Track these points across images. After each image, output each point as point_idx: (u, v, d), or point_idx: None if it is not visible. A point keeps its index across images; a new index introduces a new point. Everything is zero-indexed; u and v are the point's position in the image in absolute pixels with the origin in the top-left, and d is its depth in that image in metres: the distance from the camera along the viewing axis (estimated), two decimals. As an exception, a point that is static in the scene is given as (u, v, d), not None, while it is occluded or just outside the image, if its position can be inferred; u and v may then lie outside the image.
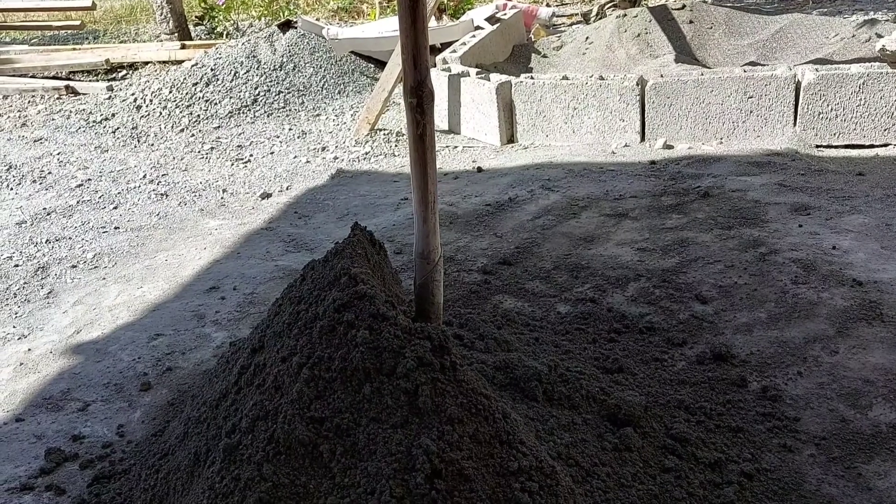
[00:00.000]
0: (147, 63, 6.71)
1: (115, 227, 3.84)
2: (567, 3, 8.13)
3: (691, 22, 5.63)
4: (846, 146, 4.00)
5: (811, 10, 6.54)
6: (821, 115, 3.99)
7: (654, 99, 4.24)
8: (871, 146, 3.96)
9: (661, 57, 5.24)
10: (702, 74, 4.21)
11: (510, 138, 4.63)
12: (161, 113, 5.50)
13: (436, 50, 5.50)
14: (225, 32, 7.52)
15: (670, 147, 4.23)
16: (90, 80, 6.53)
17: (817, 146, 4.02)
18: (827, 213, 3.22)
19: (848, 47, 5.00)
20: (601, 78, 4.36)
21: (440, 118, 4.79)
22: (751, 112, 4.11)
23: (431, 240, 1.76)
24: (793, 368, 2.27)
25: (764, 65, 4.86)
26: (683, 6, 5.75)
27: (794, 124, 4.06)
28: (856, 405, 2.09)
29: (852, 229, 3.06)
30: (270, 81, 5.70)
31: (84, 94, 6.23)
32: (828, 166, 3.77)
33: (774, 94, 4.05)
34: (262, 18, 7.93)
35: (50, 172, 4.66)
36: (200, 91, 5.63)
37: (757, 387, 2.20)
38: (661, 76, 4.27)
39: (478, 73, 4.69)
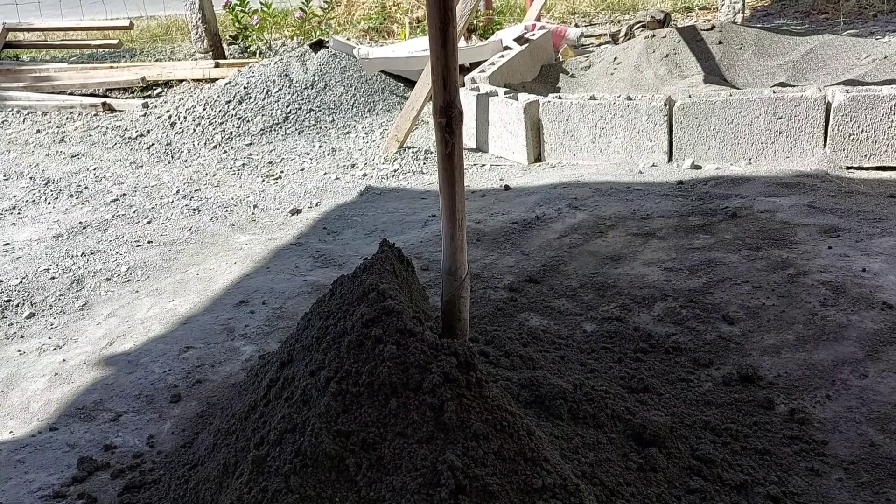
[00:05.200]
0: (182, 81, 6.85)
1: (149, 242, 3.92)
2: (595, 24, 8.16)
3: (720, 43, 5.63)
4: (877, 168, 3.96)
5: (842, 32, 6.50)
6: (851, 137, 3.96)
7: (682, 119, 4.25)
8: (903, 168, 3.93)
9: (689, 77, 5.24)
10: (730, 95, 4.21)
11: (537, 157, 4.65)
12: (195, 130, 5.61)
13: (465, 69, 5.56)
14: (258, 51, 7.66)
15: (698, 167, 4.22)
16: (126, 98, 6.68)
17: (848, 168, 3.99)
18: (857, 235, 3.20)
19: (880, 69, 4.97)
20: (629, 98, 4.37)
21: (468, 136, 4.83)
22: (780, 133, 4.10)
23: (459, 257, 1.78)
24: (821, 391, 2.25)
25: (794, 86, 4.84)
26: (712, 27, 5.75)
27: (824, 146, 4.03)
28: (885, 430, 2.07)
29: (883, 252, 3.03)
30: (302, 99, 5.80)
31: (120, 110, 6.38)
32: (858, 188, 3.74)
33: (804, 116, 4.03)
34: (295, 38, 8.06)
35: (86, 187, 4.78)
36: (233, 109, 5.74)
37: (784, 409, 2.18)
38: (690, 96, 4.27)
39: (506, 93, 4.72)
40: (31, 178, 4.99)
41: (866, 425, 2.09)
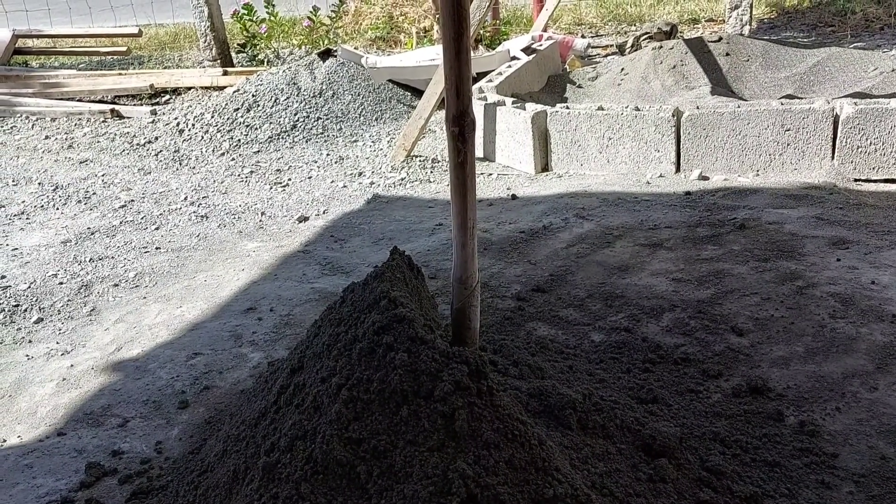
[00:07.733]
0: (190, 88, 6.87)
1: (157, 248, 3.93)
2: (602, 35, 8.18)
3: (727, 54, 5.64)
4: (885, 180, 3.96)
5: (849, 44, 6.51)
6: (859, 149, 3.96)
7: (689, 130, 4.25)
8: (912, 181, 3.93)
9: (696, 89, 5.25)
10: (738, 106, 4.21)
11: (544, 167, 4.65)
12: (203, 137, 5.63)
13: (472, 80, 5.56)
14: (266, 60, 7.68)
15: (706, 178, 4.22)
16: (135, 104, 6.70)
17: (856, 180, 3.99)
18: (866, 247, 3.19)
19: (887, 81, 4.97)
20: (637, 109, 4.38)
21: (476, 146, 4.84)
22: (788, 145, 4.10)
23: (470, 265, 1.79)
24: (831, 404, 2.24)
25: (801, 98, 4.84)
26: (720, 39, 5.76)
27: (833, 158, 4.03)
28: (896, 443, 2.06)
29: (892, 264, 3.03)
30: (310, 108, 5.81)
31: (129, 117, 6.40)
32: (866, 200, 3.73)
33: (812, 127, 4.03)
34: (303, 47, 8.09)
35: (94, 193, 4.79)
36: (241, 116, 5.76)
37: (794, 421, 2.18)
38: (697, 108, 4.28)
39: (513, 103, 4.73)
40: (39, 183, 5.01)
41: (877, 438, 2.08)
